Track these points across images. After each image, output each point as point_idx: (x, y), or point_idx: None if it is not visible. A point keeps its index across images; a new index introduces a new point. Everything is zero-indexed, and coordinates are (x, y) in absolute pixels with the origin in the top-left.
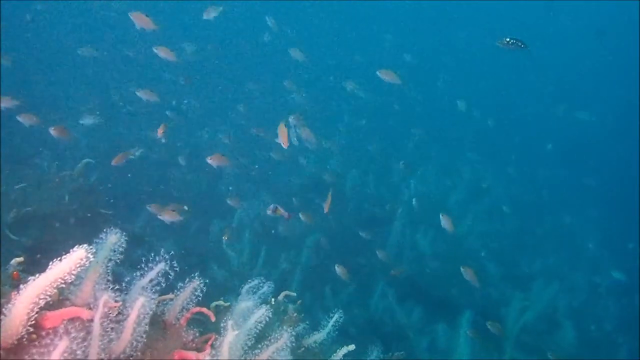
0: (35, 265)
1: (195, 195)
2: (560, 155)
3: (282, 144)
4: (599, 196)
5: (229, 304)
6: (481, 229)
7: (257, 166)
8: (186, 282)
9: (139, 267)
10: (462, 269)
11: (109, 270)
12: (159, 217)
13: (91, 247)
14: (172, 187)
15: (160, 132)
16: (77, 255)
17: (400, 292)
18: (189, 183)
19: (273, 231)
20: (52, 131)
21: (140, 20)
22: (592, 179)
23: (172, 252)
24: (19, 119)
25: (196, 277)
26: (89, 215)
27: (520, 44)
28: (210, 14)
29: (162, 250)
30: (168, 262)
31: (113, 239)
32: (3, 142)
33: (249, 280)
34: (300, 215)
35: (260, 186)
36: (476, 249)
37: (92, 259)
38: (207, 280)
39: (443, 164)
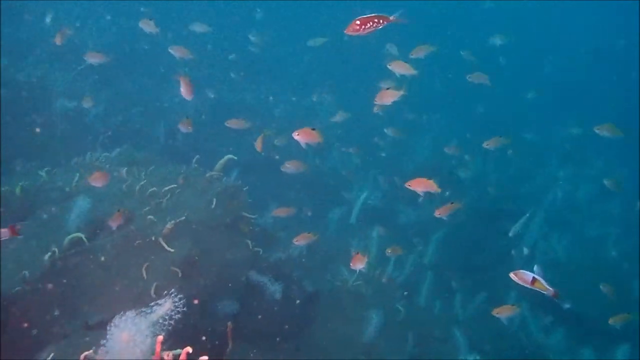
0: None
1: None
2: None
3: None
4: None
5: None
6: (617, 232)
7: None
8: None
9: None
10: (602, 287)
11: None
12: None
13: None
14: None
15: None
16: None
17: (535, 304)
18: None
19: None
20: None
21: None
22: None
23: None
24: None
25: None
26: (234, 220)
27: None
28: (420, 53)
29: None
30: None
31: None
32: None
33: None
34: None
35: (372, 169)
36: (615, 259)
37: None
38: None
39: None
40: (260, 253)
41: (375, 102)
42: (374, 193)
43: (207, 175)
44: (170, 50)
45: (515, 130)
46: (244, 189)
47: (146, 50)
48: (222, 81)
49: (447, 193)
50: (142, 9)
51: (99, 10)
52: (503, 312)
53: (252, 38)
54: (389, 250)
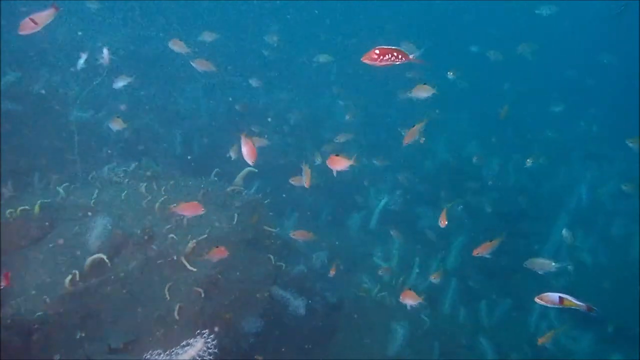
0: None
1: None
2: None
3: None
4: None
5: None
6: None
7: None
8: None
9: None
10: None
11: None
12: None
13: None
14: None
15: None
16: None
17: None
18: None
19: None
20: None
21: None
22: None
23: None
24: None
25: None
26: (255, 234)
27: None
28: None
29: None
30: None
31: None
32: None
33: None
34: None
35: (391, 171)
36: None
37: None
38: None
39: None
40: (283, 268)
41: (405, 143)
42: (394, 197)
43: (228, 189)
44: (192, 64)
45: (538, 128)
46: (265, 201)
47: (156, 56)
48: (235, 85)
49: (489, 210)
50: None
51: (110, 17)
52: (548, 339)
53: (267, 40)
54: (433, 277)
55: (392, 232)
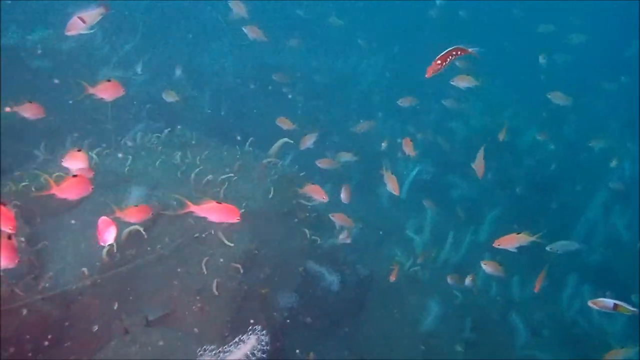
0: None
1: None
2: None
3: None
4: None
5: None
6: None
7: None
8: None
9: None
10: None
11: None
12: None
13: None
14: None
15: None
16: None
17: (595, 284)
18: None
19: None
20: None
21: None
22: None
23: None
24: None
25: None
26: (291, 208)
27: None
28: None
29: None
30: None
31: None
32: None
33: None
34: None
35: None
36: None
37: None
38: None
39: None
40: (318, 242)
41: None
42: (426, 166)
43: (264, 161)
44: (243, 29)
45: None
46: (301, 174)
47: (179, 14)
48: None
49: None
50: None
51: None
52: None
53: None
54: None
55: (424, 203)
